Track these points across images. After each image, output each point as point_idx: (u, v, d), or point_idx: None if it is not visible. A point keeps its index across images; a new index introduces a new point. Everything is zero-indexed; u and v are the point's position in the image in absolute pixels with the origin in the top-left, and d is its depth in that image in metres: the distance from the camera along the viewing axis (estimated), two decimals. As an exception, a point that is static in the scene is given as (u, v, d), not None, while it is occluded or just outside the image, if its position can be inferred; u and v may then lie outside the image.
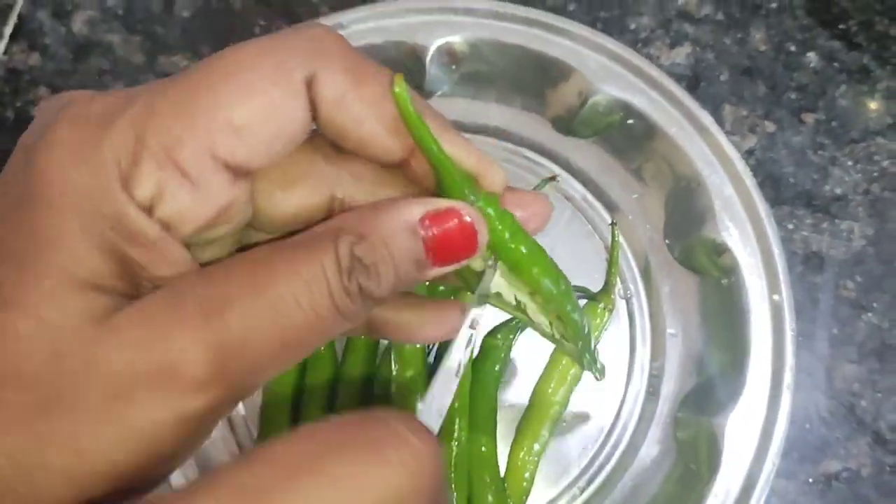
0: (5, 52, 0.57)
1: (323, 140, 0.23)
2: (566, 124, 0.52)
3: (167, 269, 0.20)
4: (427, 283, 0.26)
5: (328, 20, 0.48)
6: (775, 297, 0.44)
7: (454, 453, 0.44)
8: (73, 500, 0.19)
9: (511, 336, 0.48)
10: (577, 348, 0.30)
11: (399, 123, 0.22)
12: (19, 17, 0.58)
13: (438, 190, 0.24)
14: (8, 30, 0.58)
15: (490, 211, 0.24)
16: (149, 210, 0.19)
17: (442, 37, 0.49)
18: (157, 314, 0.19)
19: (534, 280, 0.26)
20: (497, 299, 0.27)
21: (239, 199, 0.21)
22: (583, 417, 0.48)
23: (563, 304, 0.28)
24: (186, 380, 0.19)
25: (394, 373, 0.45)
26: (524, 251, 0.26)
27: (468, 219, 0.23)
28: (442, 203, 0.23)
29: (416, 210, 0.22)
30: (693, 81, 0.56)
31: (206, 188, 0.20)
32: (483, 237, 0.23)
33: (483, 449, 0.45)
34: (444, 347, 0.47)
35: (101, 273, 0.19)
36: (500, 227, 0.25)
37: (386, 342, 0.48)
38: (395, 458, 0.18)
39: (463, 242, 0.23)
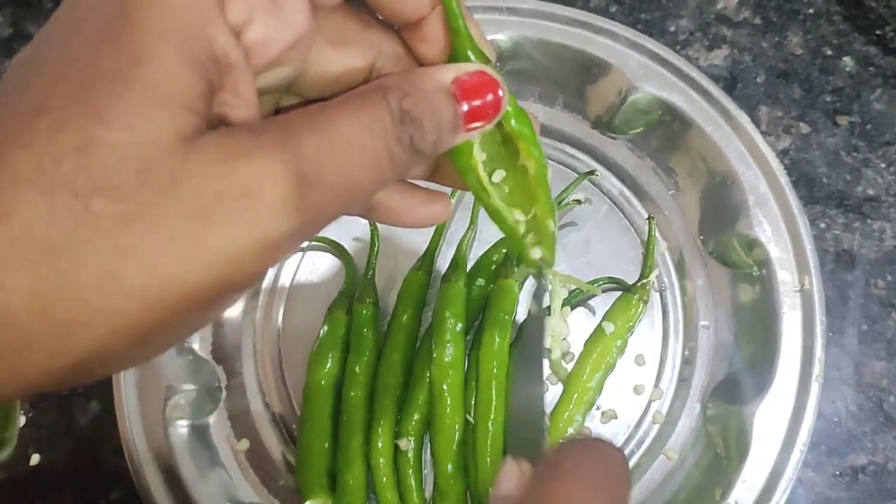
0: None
1: (369, 14, 0.27)
2: (606, 121, 0.54)
3: (238, 101, 0.21)
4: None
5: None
6: (806, 288, 0.46)
7: (490, 434, 0.45)
8: (139, 320, 0.19)
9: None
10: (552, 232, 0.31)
11: None
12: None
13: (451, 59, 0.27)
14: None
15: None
16: (238, 34, 0.21)
17: (486, 34, 0.51)
18: (240, 139, 0.20)
19: (533, 142, 0.28)
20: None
21: (310, 34, 0.23)
22: (616, 403, 0.49)
23: (545, 176, 0.30)
24: (269, 201, 0.19)
25: (434, 354, 0.47)
26: (529, 125, 0.28)
27: (494, 77, 0.26)
28: (470, 66, 0.26)
29: (449, 73, 0.25)
30: (730, 83, 0.57)
31: (289, 13, 0.22)
32: (506, 94, 0.26)
33: (518, 430, 0.46)
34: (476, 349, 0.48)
35: (192, 93, 0.19)
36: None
37: (426, 325, 0.50)
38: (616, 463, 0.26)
39: (490, 94, 0.25)
